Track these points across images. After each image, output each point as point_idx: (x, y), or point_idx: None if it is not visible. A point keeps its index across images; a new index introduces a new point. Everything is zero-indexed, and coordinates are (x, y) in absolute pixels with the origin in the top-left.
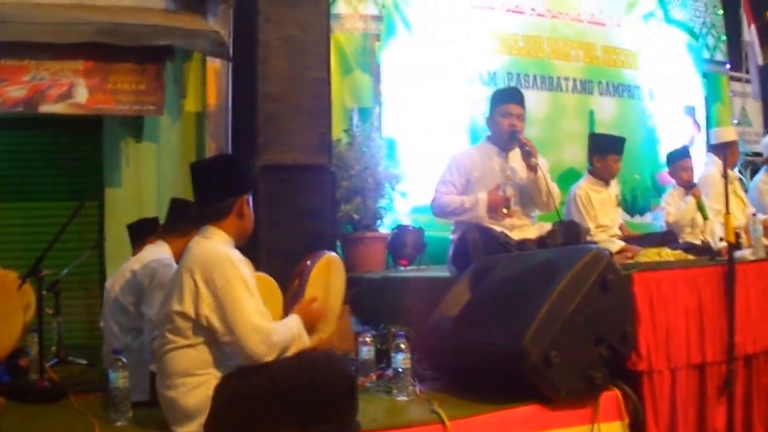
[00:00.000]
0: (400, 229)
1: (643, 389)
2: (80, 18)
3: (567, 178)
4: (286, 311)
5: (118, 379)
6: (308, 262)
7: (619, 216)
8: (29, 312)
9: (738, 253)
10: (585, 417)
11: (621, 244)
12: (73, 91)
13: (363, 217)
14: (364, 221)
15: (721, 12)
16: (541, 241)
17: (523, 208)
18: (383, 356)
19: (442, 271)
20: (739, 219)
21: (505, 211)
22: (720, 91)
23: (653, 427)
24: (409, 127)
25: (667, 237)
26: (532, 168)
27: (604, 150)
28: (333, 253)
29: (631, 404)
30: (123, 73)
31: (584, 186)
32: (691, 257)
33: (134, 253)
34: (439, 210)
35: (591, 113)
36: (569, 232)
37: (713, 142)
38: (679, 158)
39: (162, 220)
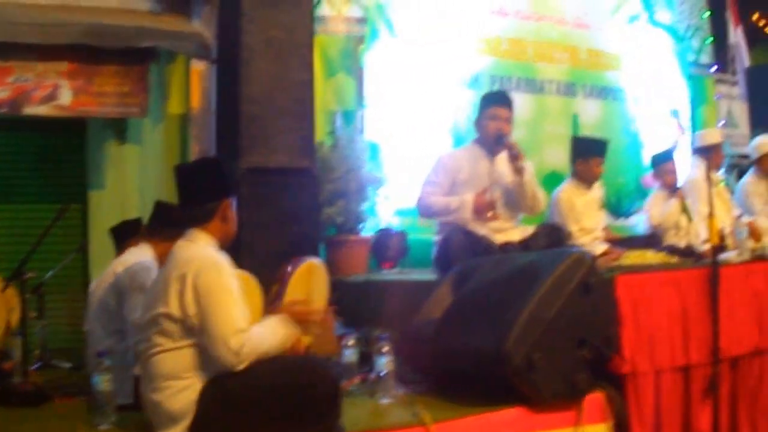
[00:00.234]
0: (383, 232)
1: (627, 391)
2: (65, 19)
3: (550, 181)
4: (266, 316)
5: (102, 382)
6: (288, 268)
7: (602, 219)
8: (13, 315)
9: (723, 256)
10: (569, 419)
11: (605, 246)
12: (58, 93)
13: (346, 220)
14: (347, 224)
15: (707, 14)
16: (524, 244)
17: (508, 211)
18: (367, 359)
19: (425, 274)
20: (723, 221)
21: (490, 214)
22: (705, 93)
23: (638, 429)
24: (392, 129)
25: (651, 240)
26: (519, 171)
27: (587, 153)
28: (315, 259)
29: (615, 406)
30: (107, 75)
31: (567, 189)
32: (674, 260)
33: (117, 256)
34: (424, 210)
35: (575, 116)
36: (552, 235)
37: (697, 145)
38: (663, 161)
39: (145, 223)
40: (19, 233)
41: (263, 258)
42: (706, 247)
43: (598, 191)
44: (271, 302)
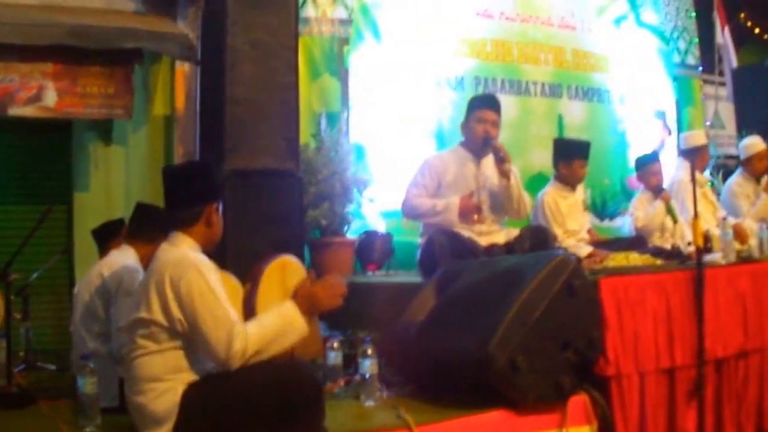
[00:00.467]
0: (368, 235)
1: (612, 394)
2: (50, 19)
3: (535, 182)
4: (244, 315)
5: (87, 384)
6: (260, 266)
7: (586, 220)
8: None
9: (709, 257)
10: (553, 422)
11: (589, 249)
12: (42, 94)
13: (331, 222)
14: (331, 226)
15: (693, 15)
16: (509, 247)
17: (493, 214)
18: (351, 362)
19: (410, 277)
20: (709, 223)
21: (476, 217)
22: (692, 94)
23: (622, 431)
24: (377, 131)
25: (636, 241)
26: (505, 174)
27: (570, 155)
28: (289, 256)
29: (599, 409)
30: (92, 76)
31: (551, 192)
32: (659, 261)
33: (101, 257)
34: (409, 211)
35: (560, 117)
36: (537, 238)
37: (683, 147)
38: (648, 163)
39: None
40: (4, 234)
41: (247, 260)
42: (692, 248)
43: (581, 193)
44: (245, 301)
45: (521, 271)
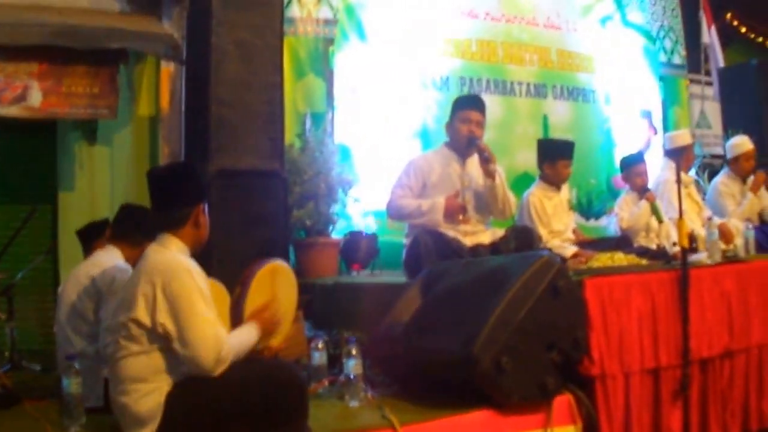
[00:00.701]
0: (353, 235)
1: (596, 394)
2: (35, 19)
3: (521, 182)
4: (231, 318)
5: (72, 385)
6: (251, 270)
7: (571, 220)
8: None
9: (694, 257)
10: (538, 422)
11: (574, 249)
12: (27, 94)
13: (316, 222)
14: (316, 227)
15: (680, 15)
16: (494, 247)
17: (479, 214)
18: (336, 362)
19: (395, 277)
20: (694, 223)
21: (461, 217)
22: (678, 94)
23: (607, 431)
24: (361, 131)
25: (621, 241)
26: (490, 175)
27: (554, 156)
28: (279, 261)
29: (584, 409)
30: (77, 76)
31: (537, 193)
32: (644, 262)
33: (85, 258)
34: (395, 212)
35: (545, 117)
36: (522, 238)
37: (668, 147)
38: (632, 163)
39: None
40: None
41: (232, 261)
42: (677, 248)
43: (567, 193)
44: (234, 305)
45: (506, 271)
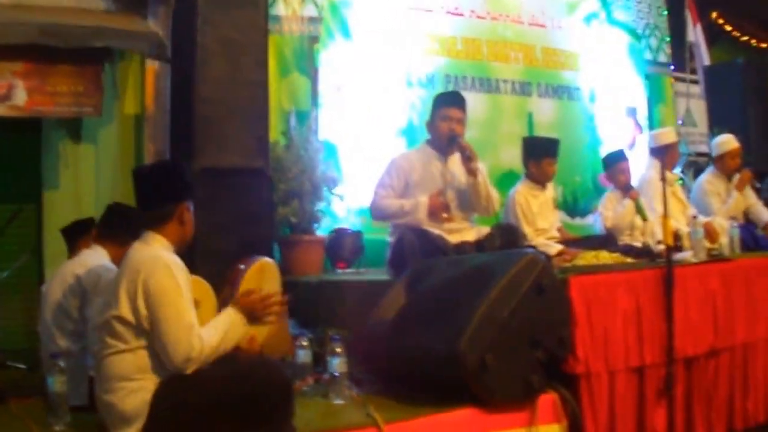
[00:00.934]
0: (338, 232)
1: (581, 392)
2: (20, 18)
3: (505, 180)
4: None
5: (56, 383)
6: (240, 267)
7: (557, 218)
8: None
9: (679, 256)
10: (522, 420)
11: (559, 247)
12: (12, 93)
13: (301, 220)
14: (301, 224)
15: (665, 13)
16: (479, 245)
17: (462, 212)
18: (320, 360)
19: (380, 274)
20: (679, 221)
21: (445, 215)
22: (663, 92)
23: (592, 429)
24: (346, 129)
25: (607, 239)
26: (472, 173)
27: (539, 154)
28: (266, 259)
29: (568, 407)
30: (62, 74)
31: (522, 191)
32: (629, 260)
33: (70, 256)
34: (377, 213)
35: (530, 115)
36: (507, 236)
37: (653, 145)
38: (615, 161)
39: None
40: None
41: (217, 258)
42: (662, 247)
43: (552, 191)
44: (223, 304)
45: (491, 269)
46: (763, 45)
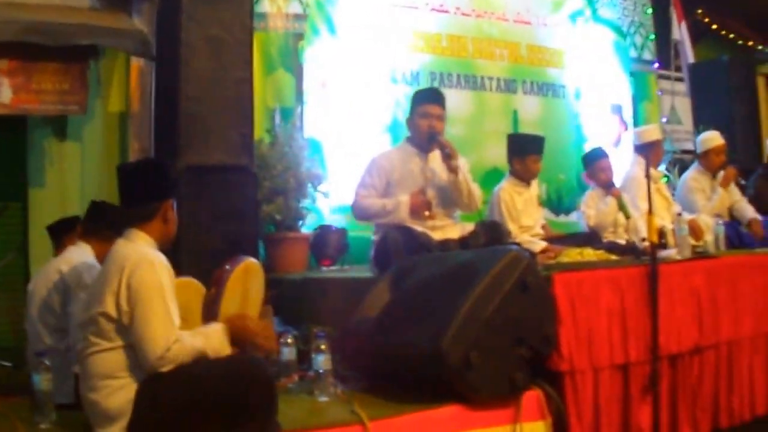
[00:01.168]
0: (322, 230)
1: (566, 389)
2: (5, 16)
3: (490, 177)
4: (204, 318)
5: (42, 381)
6: (226, 268)
7: (541, 216)
8: None
9: (664, 253)
10: (507, 417)
11: (543, 244)
12: None
13: (285, 217)
14: (286, 221)
15: (650, 11)
16: (464, 242)
17: (444, 209)
18: (305, 357)
19: (364, 272)
20: (663, 218)
21: (427, 213)
22: (648, 89)
23: (576, 426)
24: (331, 126)
25: (591, 237)
26: (453, 170)
27: (524, 151)
28: (251, 259)
29: (553, 404)
30: (47, 72)
31: (507, 188)
32: (614, 257)
33: (56, 254)
34: (360, 213)
35: (515, 113)
36: (491, 233)
37: (637, 142)
38: (595, 160)
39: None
40: None
41: (202, 256)
42: (646, 244)
43: (536, 188)
44: (209, 305)
45: (475, 266)
46: (749, 43)
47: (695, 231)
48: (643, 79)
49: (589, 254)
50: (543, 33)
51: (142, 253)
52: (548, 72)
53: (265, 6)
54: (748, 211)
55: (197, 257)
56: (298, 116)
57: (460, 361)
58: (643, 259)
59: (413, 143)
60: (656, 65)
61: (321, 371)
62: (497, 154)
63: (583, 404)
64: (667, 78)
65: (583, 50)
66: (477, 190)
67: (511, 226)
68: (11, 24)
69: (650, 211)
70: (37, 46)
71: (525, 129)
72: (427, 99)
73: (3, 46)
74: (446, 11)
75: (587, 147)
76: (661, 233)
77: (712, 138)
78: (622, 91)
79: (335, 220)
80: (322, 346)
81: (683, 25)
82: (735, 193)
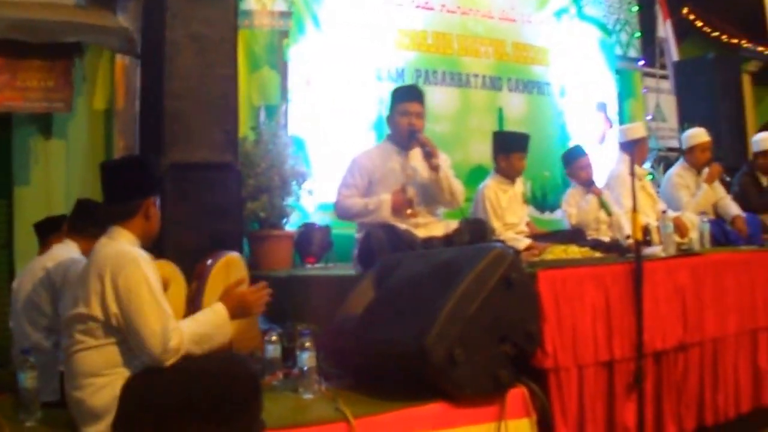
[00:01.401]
0: (306, 227)
1: (550, 386)
2: None
3: (475, 175)
4: (188, 313)
5: (27, 379)
6: (208, 263)
7: (525, 213)
8: None
9: (649, 250)
10: (492, 414)
11: (528, 241)
12: None
13: (269, 215)
14: (270, 219)
15: (636, 8)
16: (448, 239)
17: (427, 206)
18: (289, 354)
19: (348, 269)
20: (648, 216)
21: (409, 211)
22: (633, 87)
23: (561, 423)
24: (316, 124)
25: (575, 234)
26: (434, 168)
27: (509, 148)
28: (233, 253)
29: (538, 401)
30: (32, 70)
31: (492, 185)
32: (598, 254)
33: (40, 252)
34: (342, 213)
35: (500, 110)
36: (475, 230)
37: (622, 140)
38: (574, 158)
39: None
40: None
41: (186, 253)
42: (631, 241)
43: (521, 186)
44: (191, 299)
45: (459, 263)
46: (734, 40)
47: (680, 228)
48: (628, 76)
49: (574, 251)
50: (528, 30)
51: (123, 251)
52: (533, 69)
53: (250, 3)
54: (733, 209)
55: (181, 255)
56: (282, 114)
57: (445, 358)
58: (628, 256)
59: (394, 141)
60: (641, 62)
61: (305, 369)
62: (482, 151)
63: (568, 401)
64: (653, 76)
65: (568, 48)
66: (459, 187)
67: (496, 224)
68: None
69: (635, 209)
70: (21, 44)
71: (510, 126)
72: (407, 96)
73: None
74: (431, 8)
75: (572, 144)
76: (646, 230)
77: (699, 134)
78: (608, 89)
79: (319, 218)
80: (307, 344)
81: (668, 22)
82: (720, 190)
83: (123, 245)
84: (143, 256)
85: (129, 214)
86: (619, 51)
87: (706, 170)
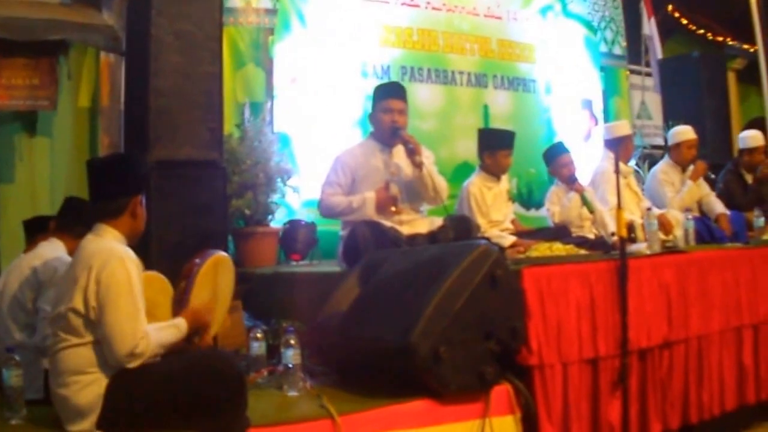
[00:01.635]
0: (292, 224)
1: (535, 383)
2: None
3: (461, 172)
4: (174, 312)
5: (12, 377)
6: (196, 262)
7: (510, 211)
8: None
9: (633, 247)
10: (476, 411)
11: (512, 239)
12: None
13: (254, 212)
14: (255, 216)
15: (621, 6)
16: (433, 236)
17: (411, 203)
18: (274, 352)
19: (333, 266)
20: (633, 213)
21: (393, 209)
22: (618, 84)
23: (546, 420)
24: (301, 121)
25: (560, 231)
26: (417, 165)
27: (494, 146)
28: (221, 253)
29: (522, 398)
30: (16, 67)
31: (477, 183)
32: (583, 251)
33: (26, 250)
34: (326, 211)
35: (485, 107)
36: (460, 227)
37: (607, 137)
38: (556, 155)
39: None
40: None
41: (171, 250)
42: (616, 238)
43: (506, 183)
44: (179, 299)
45: (443, 261)
46: (719, 38)
47: (665, 226)
48: (613, 74)
49: (559, 249)
50: (513, 28)
51: (111, 248)
52: (519, 66)
53: (236, 1)
54: (717, 206)
55: (166, 252)
56: (267, 111)
57: (429, 355)
58: (613, 253)
59: (377, 139)
60: (627, 60)
61: (290, 366)
62: (468, 148)
63: (553, 398)
64: (638, 73)
65: (553, 45)
66: (442, 183)
67: (481, 221)
68: None
69: (620, 206)
70: (6, 42)
71: (495, 123)
72: (389, 94)
73: None
74: (417, 5)
75: (556, 141)
76: (631, 228)
77: (685, 131)
78: (593, 86)
79: (304, 215)
80: (292, 341)
81: (653, 20)
82: (704, 187)
83: (111, 243)
84: (131, 257)
85: (116, 213)
86: (604, 48)
87: (691, 167)
